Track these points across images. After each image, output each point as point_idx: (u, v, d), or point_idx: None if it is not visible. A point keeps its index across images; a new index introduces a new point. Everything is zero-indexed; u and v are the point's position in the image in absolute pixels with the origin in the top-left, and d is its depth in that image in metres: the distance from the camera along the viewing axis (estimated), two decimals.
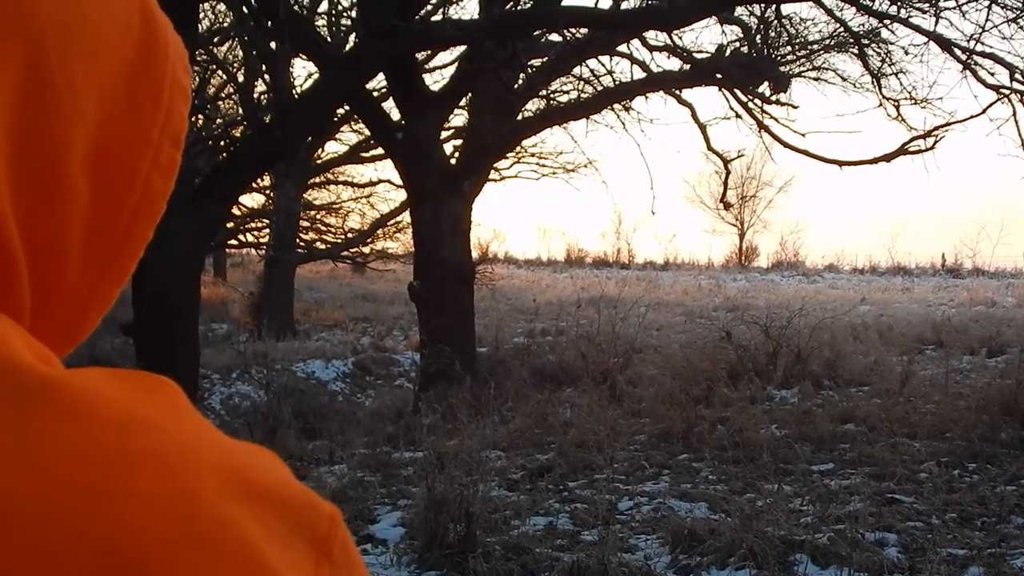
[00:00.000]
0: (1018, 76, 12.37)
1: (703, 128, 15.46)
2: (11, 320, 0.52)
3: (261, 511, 0.49)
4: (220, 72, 16.82)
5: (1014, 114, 12.65)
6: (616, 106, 15.35)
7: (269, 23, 10.70)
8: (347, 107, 15.94)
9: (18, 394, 0.47)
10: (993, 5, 11.37)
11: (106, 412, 0.49)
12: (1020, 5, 11.48)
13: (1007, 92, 12.56)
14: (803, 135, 14.05)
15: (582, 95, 15.04)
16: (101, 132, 0.57)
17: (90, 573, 0.43)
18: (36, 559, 0.43)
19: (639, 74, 14.18)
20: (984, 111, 12.74)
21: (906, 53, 14.13)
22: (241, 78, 16.45)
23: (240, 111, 18.79)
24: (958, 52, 12.26)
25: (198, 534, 0.46)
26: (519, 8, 13.04)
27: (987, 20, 11.59)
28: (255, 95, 16.46)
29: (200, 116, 15.98)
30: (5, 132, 0.52)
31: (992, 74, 12.53)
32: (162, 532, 0.45)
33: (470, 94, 13.90)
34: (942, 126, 13.06)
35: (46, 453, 0.46)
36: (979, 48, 12.02)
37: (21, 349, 0.50)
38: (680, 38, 14.33)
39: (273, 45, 12.55)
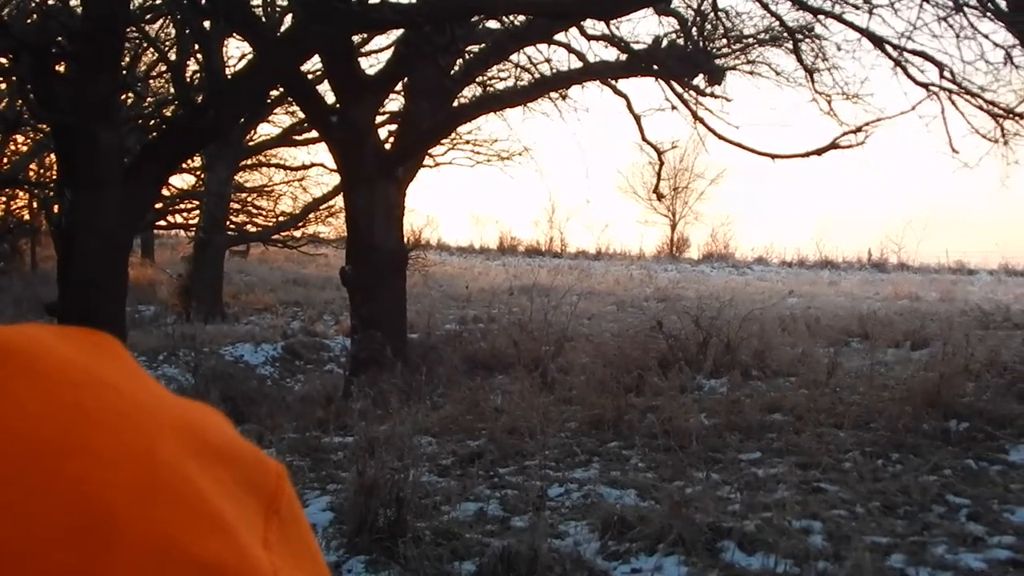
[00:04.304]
0: (947, 74, 12.60)
1: (638, 119, 15.53)
2: None
3: (215, 468, 0.50)
4: (152, 50, 16.51)
5: (942, 111, 12.90)
6: (553, 94, 15.36)
7: (203, 1, 10.53)
8: (281, 89, 15.77)
9: None
10: (924, 3, 11.56)
11: (62, 371, 0.49)
12: (951, 4, 11.68)
13: (936, 89, 12.80)
14: (737, 127, 14.27)
15: (519, 83, 15.02)
16: None
17: (58, 528, 0.44)
18: (3, 516, 0.43)
19: (576, 63, 14.20)
20: (913, 108, 12.99)
21: (839, 49, 14.42)
22: (173, 57, 16.18)
23: (172, 91, 18.50)
24: (890, 49, 12.47)
25: (159, 489, 0.47)
26: None
27: (918, 18, 11.83)
28: (188, 75, 16.16)
29: (131, 95, 15.68)
30: None
31: (922, 71, 12.76)
32: (125, 487, 0.46)
33: (406, 79, 13.82)
34: (872, 122, 13.24)
35: (6, 413, 0.46)
36: (910, 45, 12.24)
37: None
38: (618, 28, 14.37)
39: (207, 24, 12.35)
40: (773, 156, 13.74)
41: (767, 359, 12.91)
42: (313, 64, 15.70)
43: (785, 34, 13.62)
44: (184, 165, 18.62)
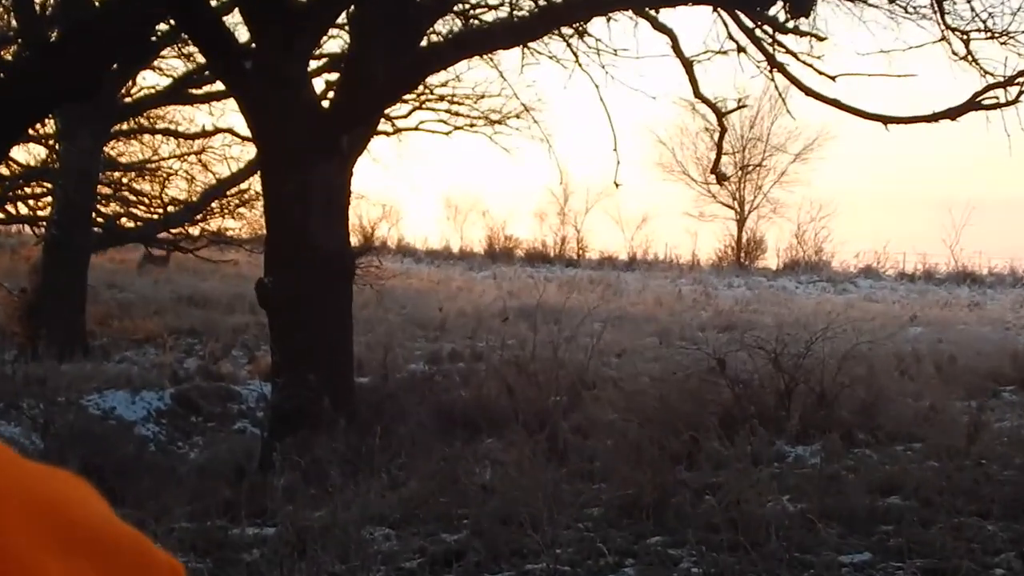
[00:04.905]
0: None
1: (688, 66, 15.53)
2: None
3: (81, 564, 0.49)
4: None
5: None
6: (566, 31, 15.35)
7: None
8: (172, 22, 15.74)
9: None
10: None
11: None
12: None
13: None
14: (833, 79, 14.16)
15: (516, 12, 15.03)
16: None
17: None
18: None
19: None
20: None
21: None
22: None
23: (11, 22, 18.47)
24: None
25: None
26: None
27: None
28: (36, 2, 16.20)
29: None
30: None
31: None
32: None
33: (353, 6, 13.81)
34: None
35: None
36: None
37: None
38: None
39: None
40: (886, 120, 13.73)
41: (879, 416, 12.87)
42: None
43: None
44: (30, 132, 18.57)
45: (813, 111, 65.38)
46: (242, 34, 13.12)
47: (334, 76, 18.12)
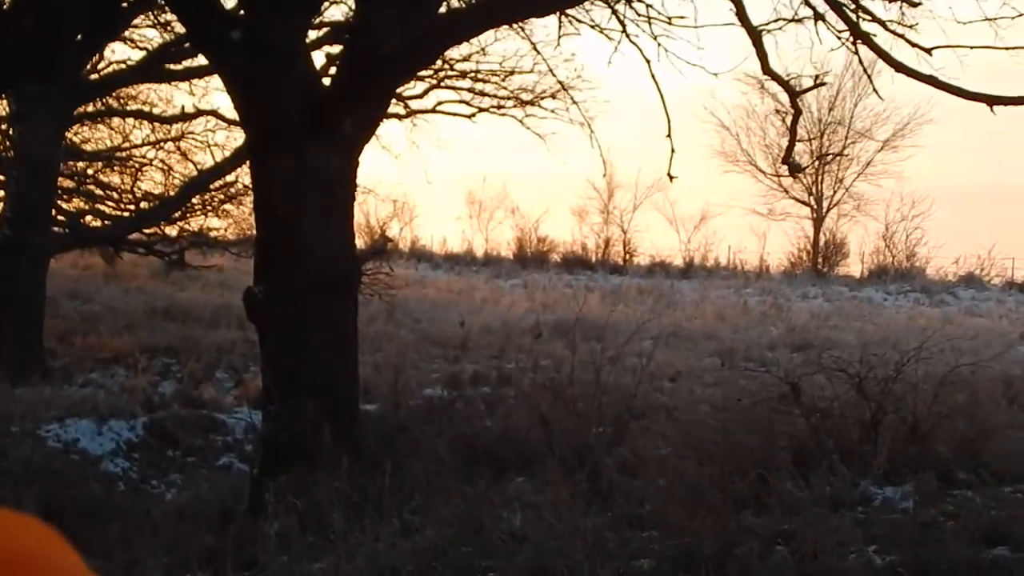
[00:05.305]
0: None
1: (756, 36, 15.52)
2: None
3: None
4: None
5: None
6: None
7: None
8: None
9: None
10: None
11: None
12: None
13: None
14: (929, 51, 14.12)
15: None
16: None
17: None
18: None
19: None
20: None
21: None
22: None
23: None
24: None
25: None
26: None
27: None
28: None
29: None
30: None
31: None
32: None
33: None
34: None
35: None
36: None
37: None
38: None
39: None
40: (992, 100, 13.69)
41: (982, 452, 12.82)
42: None
43: None
44: None
45: (905, 90, 65.23)
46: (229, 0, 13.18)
47: (337, 48, 18.16)
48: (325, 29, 19.27)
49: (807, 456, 12.01)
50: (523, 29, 17.17)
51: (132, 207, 25.86)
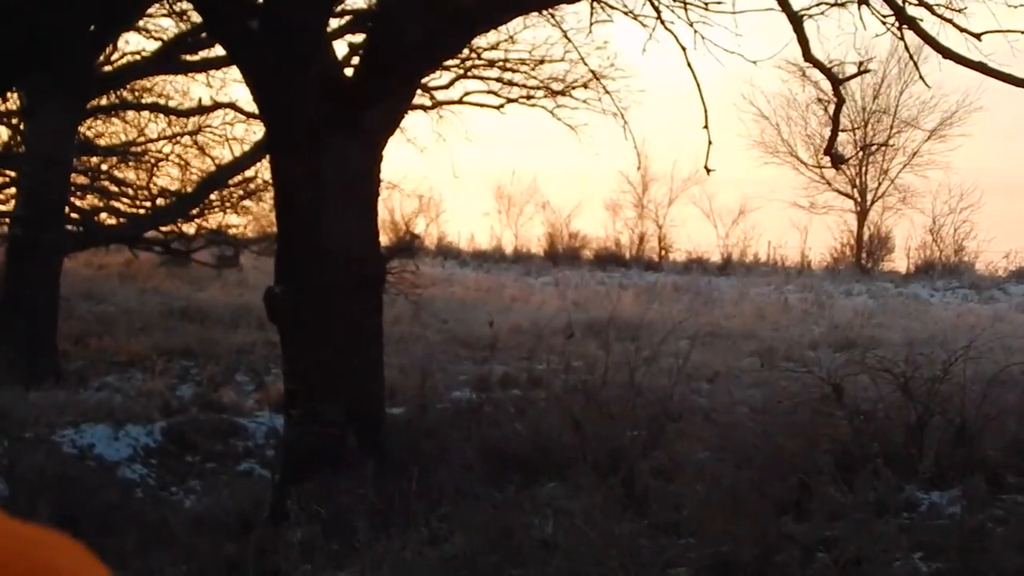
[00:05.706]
0: None
1: (797, 21, 15.27)
2: None
3: None
4: None
5: None
6: None
7: None
8: None
9: None
10: None
11: None
12: None
13: None
14: (979, 37, 13.88)
15: None
16: None
17: None
18: None
19: None
20: None
21: None
22: None
23: None
24: None
25: None
26: None
27: None
28: None
29: None
30: None
31: None
32: None
33: None
34: None
35: None
36: None
37: None
38: None
39: None
40: None
41: None
42: None
43: None
44: None
45: (953, 77, 65.12)
46: None
47: (359, 37, 18.02)
48: (347, 17, 19.29)
49: (850, 460, 11.93)
50: (553, 16, 17.04)
51: (148, 204, 26.08)
